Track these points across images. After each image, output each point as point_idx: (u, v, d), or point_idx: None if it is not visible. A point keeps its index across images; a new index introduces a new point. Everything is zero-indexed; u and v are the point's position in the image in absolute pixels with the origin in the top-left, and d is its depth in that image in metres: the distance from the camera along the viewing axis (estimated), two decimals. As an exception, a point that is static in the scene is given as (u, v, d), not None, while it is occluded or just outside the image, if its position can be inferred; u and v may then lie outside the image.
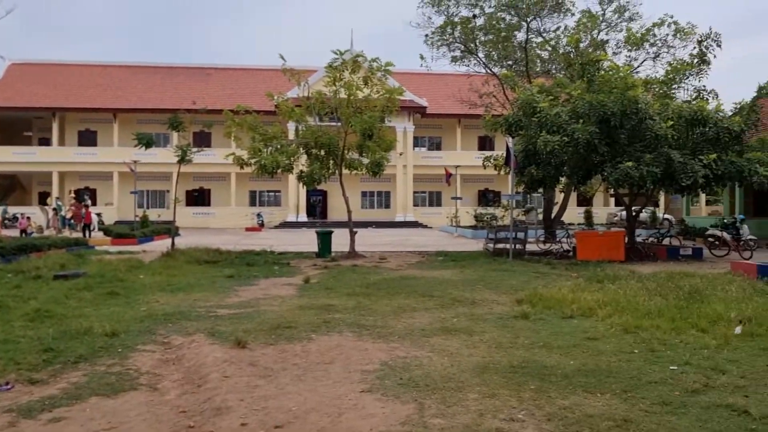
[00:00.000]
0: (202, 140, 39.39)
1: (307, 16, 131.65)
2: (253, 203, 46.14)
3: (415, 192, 45.42)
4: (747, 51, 75.02)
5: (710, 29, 21.00)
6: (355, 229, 19.98)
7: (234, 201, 44.23)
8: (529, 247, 19.67)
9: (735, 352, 6.68)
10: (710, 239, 19.99)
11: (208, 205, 45.60)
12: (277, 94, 19.99)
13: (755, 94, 18.48)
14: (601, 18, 27.34)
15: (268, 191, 46.13)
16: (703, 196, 34.53)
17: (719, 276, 12.73)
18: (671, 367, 6.05)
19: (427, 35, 28.06)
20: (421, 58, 36.09)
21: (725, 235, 19.39)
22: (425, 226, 42.14)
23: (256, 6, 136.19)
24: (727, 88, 66.44)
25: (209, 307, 9.68)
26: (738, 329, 7.61)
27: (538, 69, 27.88)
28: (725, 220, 21.91)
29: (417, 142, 47.09)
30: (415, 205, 45.71)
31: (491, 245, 19.70)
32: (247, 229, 37.94)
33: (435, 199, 47.84)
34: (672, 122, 16.67)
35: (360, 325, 8.24)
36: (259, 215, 42.13)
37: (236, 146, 20.41)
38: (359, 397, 5.17)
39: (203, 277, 13.59)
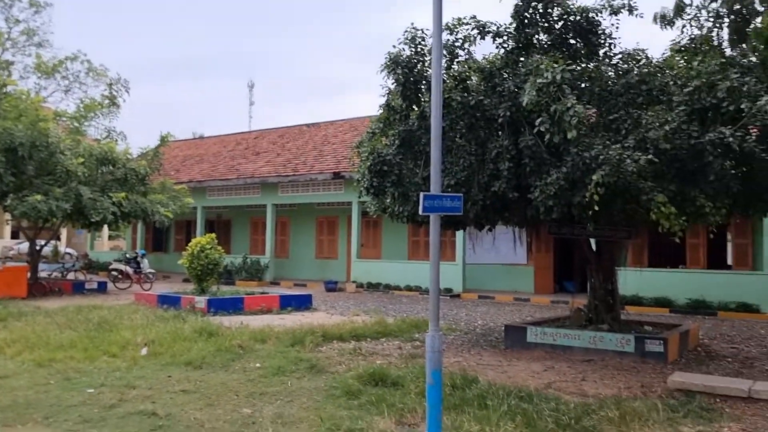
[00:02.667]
0: None
1: None
2: None
3: None
4: (159, 97, 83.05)
5: (118, 75, 22.67)
6: None
7: None
8: None
9: (142, 369, 7.65)
10: (114, 273, 21.12)
11: None
12: None
13: (159, 142, 20.80)
14: (6, 36, 25.72)
15: None
16: (106, 231, 35.94)
17: (125, 307, 13.83)
18: (89, 390, 6.52)
19: None
20: None
21: (128, 268, 20.87)
22: None
23: None
24: (136, 130, 71.55)
25: None
26: (144, 351, 8.66)
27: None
28: (127, 255, 23.52)
29: None
30: None
31: None
32: None
33: None
34: (83, 159, 17.18)
35: None
36: None
37: None
38: None
39: None
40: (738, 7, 6.68)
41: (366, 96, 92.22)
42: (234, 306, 13.98)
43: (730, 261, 18.33)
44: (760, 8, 6.51)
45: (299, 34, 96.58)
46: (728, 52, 8.19)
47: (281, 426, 5.55)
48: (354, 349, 9.35)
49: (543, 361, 8.77)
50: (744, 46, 7.15)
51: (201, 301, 13.75)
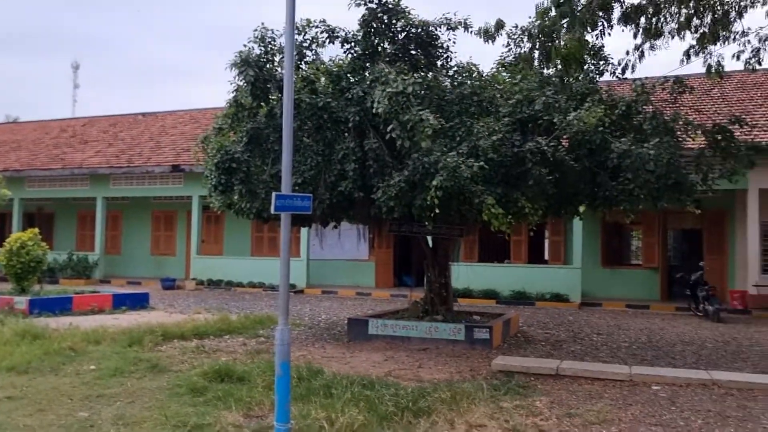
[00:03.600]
0: None
1: None
2: None
3: None
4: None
5: None
6: None
7: None
8: None
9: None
10: None
11: None
12: None
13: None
14: None
15: None
16: None
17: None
18: None
19: None
20: None
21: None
22: None
23: None
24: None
25: None
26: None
27: None
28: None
29: None
30: None
31: None
32: None
33: None
34: None
35: None
36: None
37: None
38: None
39: None
40: (546, 28, 7.60)
41: (208, 87, 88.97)
42: (61, 306, 13.00)
43: (547, 256, 20.43)
44: (563, 29, 7.47)
45: (133, 17, 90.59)
46: (545, 70, 9.25)
47: (123, 427, 5.41)
48: (197, 347, 9.21)
49: (384, 351, 9.29)
50: (551, 61, 8.12)
51: (21, 301, 12.62)
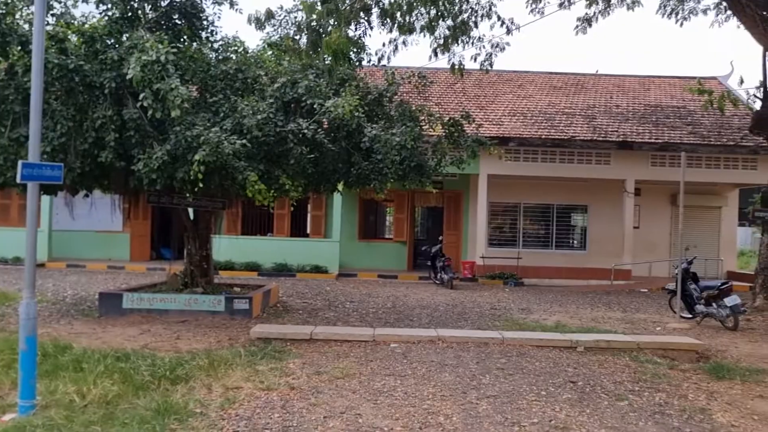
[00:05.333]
0: None
1: None
2: None
3: None
4: None
5: None
6: None
7: None
8: None
9: None
10: None
11: None
12: None
13: None
14: None
15: None
16: None
17: None
18: None
19: None
20: None
21: None
22: None
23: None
24: None
25: None
26: None
27: None
28: None
29: None
30: None
31: None
32: None
33: None
34: None
35: None
36: None
37: None
38: None
39: None
40: (313, 23, 8.13)
41: None
42: None
43: (308, 230, 21.35)
44: (330, 27, 8.07)
45: None
46: (314, 61, 9.79)
47: None
48: None
49: (139, 325, 9.12)
50: (318, 54, 8.70)
51: None
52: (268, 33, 10.09)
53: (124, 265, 18.16)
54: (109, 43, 8.83)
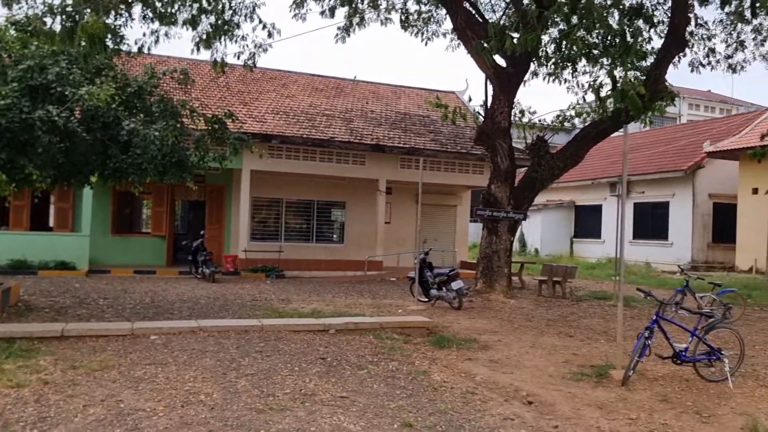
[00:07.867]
0: None
1: None
2: None
3: None
4: None
5: None
6: None
7: None
8: None
9: None
10: None
11: None
12: None
13: None
14: None
15: None
16: None
17: None
18: None
19: None
20: None
21: None
22: None
23: None
24: None
25: None
26: None
27: None
28: None
29: None
30: None
31: None
32: None
33: None
34: None
35: None
36: None
37: None
38: None
39: None
40: (68, 7, 7.77)
41: None
42: None
43: (52, 223, 19.57)
44: (87, 11, 7.78)
45: None
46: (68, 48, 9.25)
47: None
48: None
49: None
50: (73, 40, 8.29)
51: None
52: (13, 12, 9.28)
53: None
54: None
